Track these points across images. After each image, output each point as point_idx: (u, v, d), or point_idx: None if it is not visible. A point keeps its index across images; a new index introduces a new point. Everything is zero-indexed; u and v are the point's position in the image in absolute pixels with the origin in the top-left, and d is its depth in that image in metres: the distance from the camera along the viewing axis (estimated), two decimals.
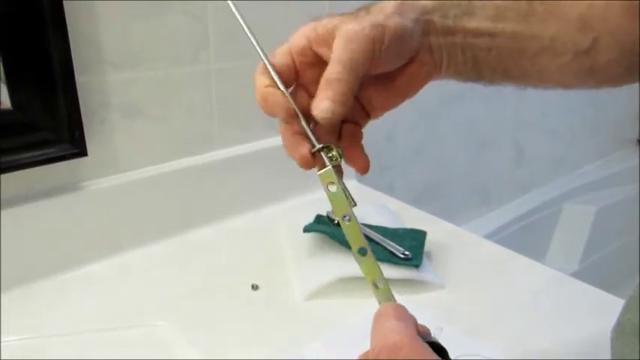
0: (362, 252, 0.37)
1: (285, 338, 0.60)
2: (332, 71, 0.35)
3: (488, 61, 0.41)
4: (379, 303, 0.37)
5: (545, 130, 1.58)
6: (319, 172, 0.37)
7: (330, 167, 0.37)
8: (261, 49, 0.37)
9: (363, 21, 0.36)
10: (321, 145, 0.37)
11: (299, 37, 0.38)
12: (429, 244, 0.74)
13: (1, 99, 0.62)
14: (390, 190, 1.09)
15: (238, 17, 0.39)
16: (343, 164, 0.39)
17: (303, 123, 0.37)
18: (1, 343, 0.58)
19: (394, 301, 0.36)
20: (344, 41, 0.35)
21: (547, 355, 0.58)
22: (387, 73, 0.40)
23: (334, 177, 0.37)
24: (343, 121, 0.40)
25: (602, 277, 0.73)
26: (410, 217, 0.85)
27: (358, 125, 0.42)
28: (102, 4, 0.66)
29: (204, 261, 0.74)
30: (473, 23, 0.40)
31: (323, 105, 0.35)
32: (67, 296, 0.66)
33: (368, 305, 0.63)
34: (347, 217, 0.37)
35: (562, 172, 1.71)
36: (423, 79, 0.41)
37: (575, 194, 1.68)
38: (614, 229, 1.67)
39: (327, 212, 0.77)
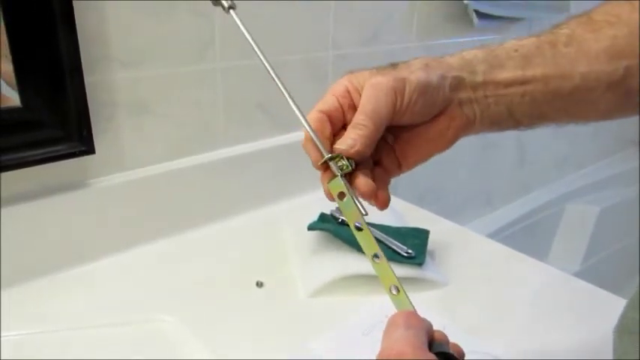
0: (376, 258, 0.38)
1: (289, 334, 0.61)
2: (357, 118, 0.39)
3: (522, 108, 0.42)
4: (397, 309, 0.37)
5: (547, 130, 1.58)
6: (329, 183, 0.39)
7: (339, 177, 0.38)
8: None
9: (389, 75, 0.40)
10: (329, 155, 0.39)
11: (339, 86, 0.41)
12: (432, 242, 0.74)
13: (11, 97, 0.63)
14: (393, 189, 1.09)
15: (260, 56, 0.41)
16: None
17: (312, 134, 0.39)
18: (10, 337, 0.58)
19: (411, 307, 0.36)
20: (369, 92, 0.39)
21: (549, 353, 0.59)
22: (419, 126, 0.42)
23: (344, 187, 0.38)
24: (376, 164, 0.43)
25: (604, 278, 0.73)
26: (413, 217, 0.86)
27: (388, 172, 0.44)
28: (110, 3, 0.67)
29: (209, 258, 0.75)
30: (503, 75, 0.41)
31: (346, 141, 0.39)
32: (74, 291, 0.67)
33: (370, 302, 0.64)
34: (359, 225, 0.38)
35: (564, 172, 1.71)
36: (454, 133, 0.43)
37: (578, 195, 1.68)
38: (616, 229, 1.67)
39: (331, 211, 0.78)
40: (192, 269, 0.72)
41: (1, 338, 0.58)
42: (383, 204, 0.41)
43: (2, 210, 0.64)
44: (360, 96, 0.40)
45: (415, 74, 0.40)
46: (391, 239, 0.71)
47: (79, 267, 0.70)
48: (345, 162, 0.38)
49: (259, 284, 0.69)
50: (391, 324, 0.34)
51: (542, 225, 1.58)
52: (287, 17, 0.81)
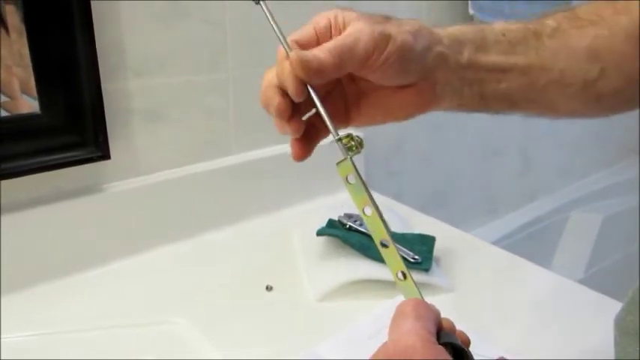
0: (384, 244, 0.36)
1: (299, 338, 0.62)
2: (329, 44, 0.36)
3: (496, 95, 0.42)
4: (404, 297, 0.36)
5: (551, 138, 1.60)
6: (338, 163, 0.36)
7: (348, 158, 0.36)
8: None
9: (377, 26, 0.37)
10: (339, 136, 0.36)
11: (322, 18, 0.39)
12: (437, 249, 0.75)
13: (30, 103, 0.64)
14: (398, 196, 1.10)
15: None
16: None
17: (322, 110, 0.37)
18: (24, 338, 0.60)
19: (419, 295, 0.35)
20: (351, 32, 0.37)
21: None
22: (383, 90, 0.41)
23: (353, 169, 0.36)
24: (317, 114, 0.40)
25: (608, 286, 0.74)
26: (418, 223, 0.87)
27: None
28: (127, 13, 0.69)
29: (220, 262, 0.76)
30: (486, 59, 0.41)
31: (306, 54, 0.35)
32: (88, 293, 0.68)
33: (379, 306, 0.65)
34: (369, 210, 0.36)
35: (568, 181, 1.72)
36: (416, 107, 0.41)
37: (582, 203, 1.68)
38: (619, 237, 1.67)
39: (339, 217, 0.79)
40: (203, 273, 0.73)
41: (15, 339, 0.60)
42: (298, 156, 0.40)
43: (19, 213, 0.65)
44: (340, 35, 0.38)
45: (402, 36, 0.37)
46: (398, 245, 0.72)
47: (92, 270, 0.72)
48: (353, 143, 0.36)
49: (269, 288, 0.70)
50: (399, 313, 0.33)
51: (546, 233, 1.58)
52: (289, 18, 0.83)
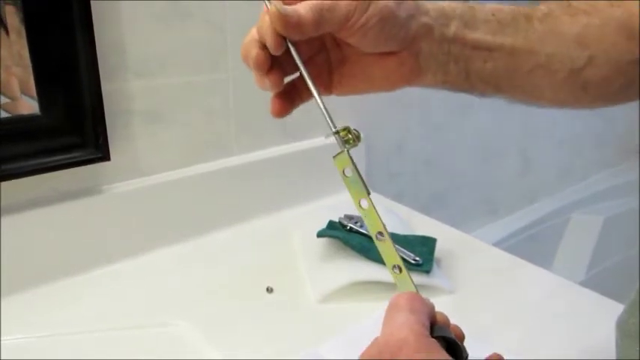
0: (380, 236, 0.36)
1: (299, 339, 0.62)
2: (309, 2, 0.36)
3: (481, 75, 0.41)
4: (399, 289, 0.36)
5: (552, 140, 1.59)
6: (335, 156, 0.36)
7: (345, 151, 0.36)
8: None
9: None
10: (336, 129, 0.36)
11: None
12: (438, 250, 0.75)
13: (30, 104, 0.64)
14: (399, 197, 1.10)
15: None
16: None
17: (319, 101, 0.37)
18: (24, 340, 0.60)
19: (414, 288, 0.36)
20: None
21: None
22: (365, 57, 0.40)
23: (350, 162, 0.36)
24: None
25: (609, 287, 0.74)
26: (419, 224, 0.87)
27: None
28: (127, 13, 0.69)
29: (220, 264, 0.76)
30: (473, 35, 0.40)
31: (286, 9, 0.35)
32: (88, 295, 0.68)
33: (379, 308, 0.65)
34: (365, 203, 0.36)
35: (569, 182, 1.72)
36: (400, 78, 0.41)
37: (582, 204, 1.68)
38: (620, 239, 1.67)
39: (340, 218, 0.79)
40: (204, 274, 0.73)
41: (16, 341, 0.60)
42: (276, 112, 0.40)
43: (19, 215, 0.65)
44: None
45: (385, 1, 0.37)
46: (398, 246, 0.72)
47: (92, 271, 0.72)
48: (350, 136, 0.36)
49: (270, 290, 0.70)
50: (394, 306, 0.34)
51: (546, 234, 1.58)
52: None
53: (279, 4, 0.36)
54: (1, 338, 0.59)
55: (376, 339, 0.33)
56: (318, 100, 0.37)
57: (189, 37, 0.75)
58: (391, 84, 0.42)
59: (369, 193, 0.36)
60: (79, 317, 0.64)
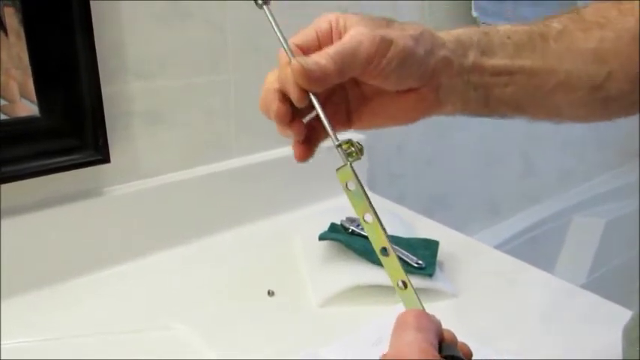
0: (384, 252, 0.36)
1: (300, 343, 0.61)
2: (329, 50, 0.36)
3: (502, 99, 0.41)
4: (405, 306, 0.35)
5: (554, 142, 1.59)
6: (337, 170, 0.36)
7: (348, 165, 0.35)
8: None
9: (379, 30, 0.37)
10: (339, 142, 0.36)
11: (323, 22, 0.39)
12: (440, 253, 0.75)
13: (29, 107, 0.64)
14: (400, 199, 1.10)
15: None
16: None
17: (322, 115, 0.37)
18: (24, 343, 0.60)
19: (420, 305, 0.35)
20: (352, 36, 0.37)
21: None
22: (385, 95, 0.40)
23: (352, 176, 0.35)
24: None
25: (611, 290, 0.74)
26: (421, 227, 0.87)
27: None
28: (127, 14, 0.68)
29: (221, 267, 0.76)
30: (492, 62, 0.40)
31: (307, 61, 0.35)
32: (88, 298, 0.68)
33: (381, 313, 0.65)
34: (369, 217, 0.35)
35: (570, 184, 1.72)
36: (419, 113, 0.41)
37: (584, 207, 1.68)
38: (622, 241, 1.67)
39: (342, 221, 0.78)
40: (204, 277, 0.73)
41: (17, 344, 0.59)
42: (300, 157, 0.40)
43: (19, 217, 0.65)
44: (340, 39, 0.37)
45: (404, 40, 0.37)
46: (401, 250, 0.72)
47: (92, 274, 0.71)
48: (353, 149, 0.36)
49: (271, 293, 0.70)
50: (401, 323, 0.33)
51: (548, 237, 1.58)
52: (290, 20, 0.83)
53: (302, 59, 0.35)
54: (2, 341, 0.59)
55: (384, 356, 0.32)
56: (321, 114, 0.37)
57: (189, 37, 0.75)
58: (410, 118, 0.42)
59: (372, 207, 0.35)
60: (80, 320, 0.63)
